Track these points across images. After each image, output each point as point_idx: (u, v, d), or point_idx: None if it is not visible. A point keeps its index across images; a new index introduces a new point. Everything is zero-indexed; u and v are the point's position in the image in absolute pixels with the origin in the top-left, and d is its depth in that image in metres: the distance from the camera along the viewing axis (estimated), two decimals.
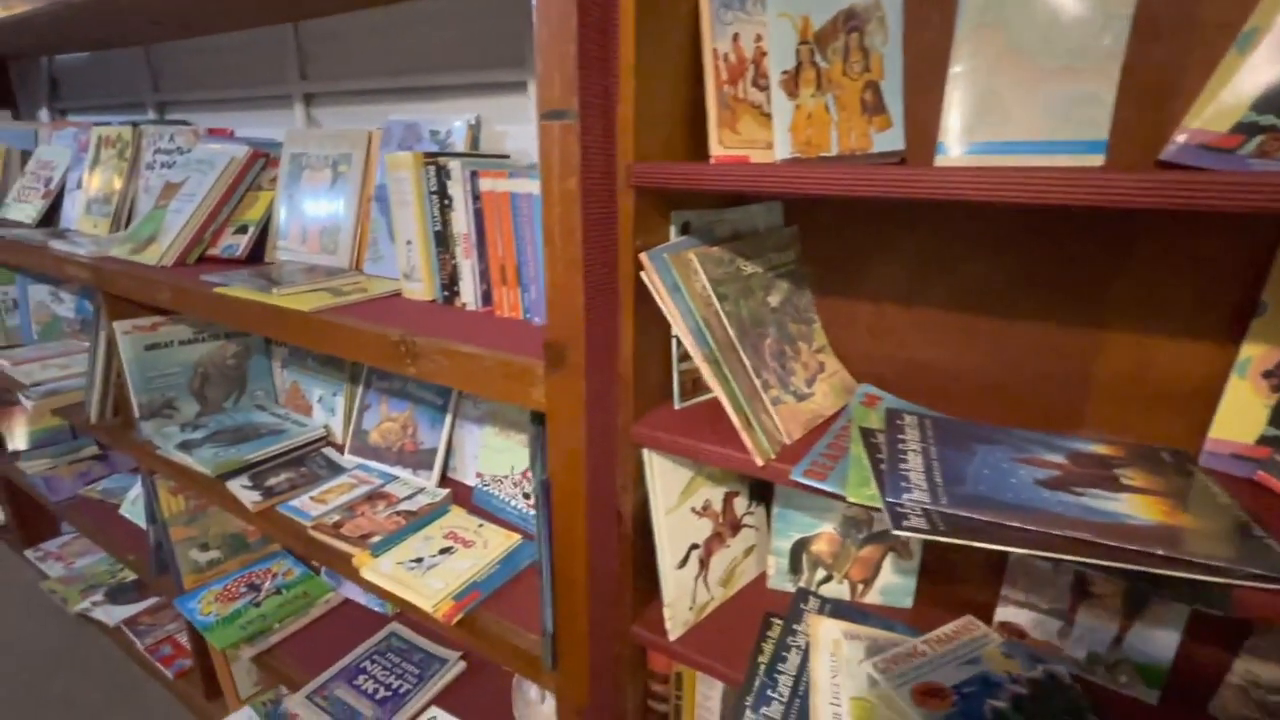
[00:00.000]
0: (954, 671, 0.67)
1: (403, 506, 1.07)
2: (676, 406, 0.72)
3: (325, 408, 1.35)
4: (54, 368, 1.69)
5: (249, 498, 1.09)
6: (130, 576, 2.00)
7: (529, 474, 1.04)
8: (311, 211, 1.18)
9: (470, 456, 1.17)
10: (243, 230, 1.22)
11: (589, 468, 0.65)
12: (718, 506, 0.79)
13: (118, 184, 1.52)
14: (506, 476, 1.06)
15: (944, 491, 0.52)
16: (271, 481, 1.15)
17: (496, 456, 1.08)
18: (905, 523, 0.47)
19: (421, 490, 1.12)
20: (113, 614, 1.83)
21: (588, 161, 0.56)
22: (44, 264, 1.34)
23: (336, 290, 0.96)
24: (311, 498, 1.10)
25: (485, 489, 1.09)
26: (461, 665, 1.21)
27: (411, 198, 0.88)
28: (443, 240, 0.89)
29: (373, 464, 1.21)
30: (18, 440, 2.16)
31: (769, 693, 0.67)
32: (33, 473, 1.94)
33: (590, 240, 0.58)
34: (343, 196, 1.15)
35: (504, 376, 0.67)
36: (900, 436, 0.63)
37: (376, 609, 1.40)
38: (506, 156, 0.96)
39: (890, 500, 0.50)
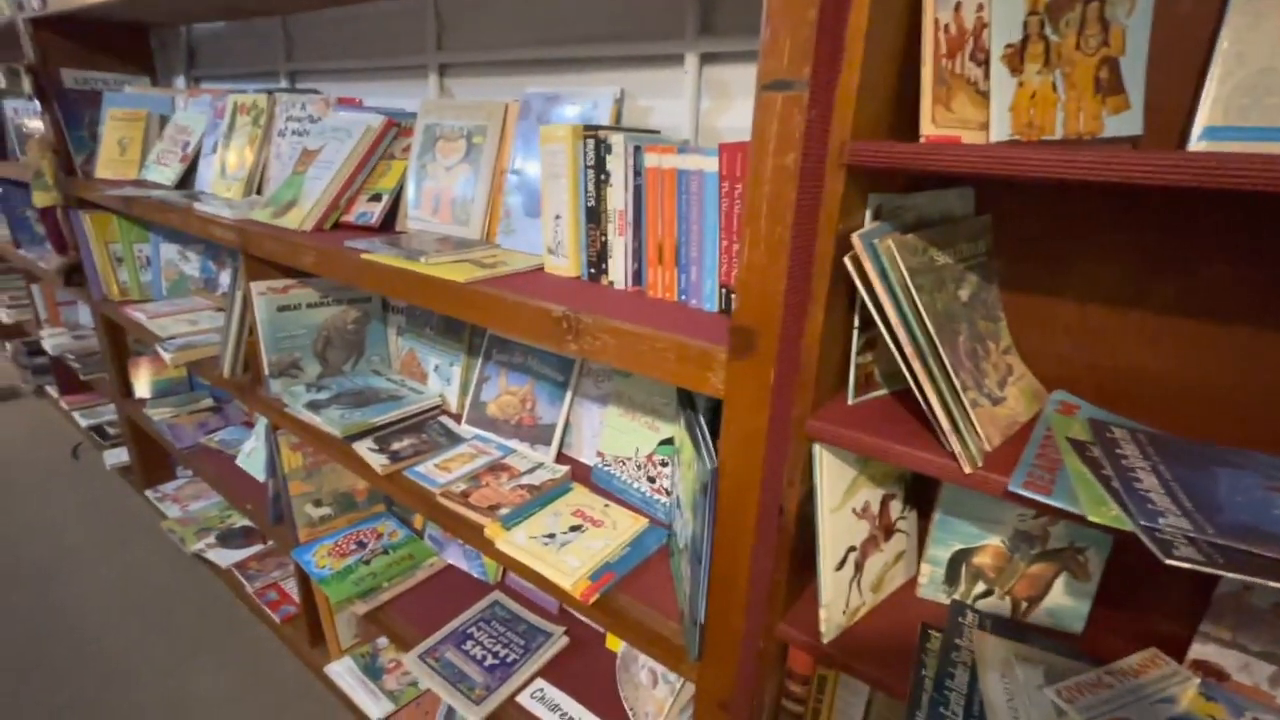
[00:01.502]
0: (1147, 710, 0.62)
1: (525, 480, 1.08)
2: (850, 402, 0.68)
3: (441, 377, 1.37)
4: (184, 322, 1.80)
5: (377, 461, 1.12)
6: (239, 523, 2.12)
7: (653, 457, 1.02)
8: (444, 182, 1.19)
9: (589, 435, 1.16)
10: (376, 198, 1.24)
11: (764, 460, 0.63)
12: (875, 509, 0.75)
13: (251, 150, 1.58)
14: (630, 458, 1.05)
15: (1205, 519, 0.46)
16: (396, 446, 1.18)
17: (620, 437, 1.07)
18: (1175, 552, 0.43)
19: (540, 465, 1.13)
20: (224, 557, 1.95)
21: (806, 137, 0.52)
22: (189, 224, 1.41)
23: (479, 262, 0.96)
24: (435, 465, 1.13)
25: (606, 469, 1.08)
26: (565, 640, 1.23)
27: (565, 171, 0.87)
28: (594, 216, 0.87)
29: (490, 436, 1.22)
30: (142, 388, 2.32)
31: (941, 710, 0.63)
32: (159, 419, 2.08)
33: (795, 222, 0.55)
34: (476, 168, 1.15)
35: (679, 359, 0.65)
36: (1118, 451, 0.57)
37: (478, 576, 1.43)
38: (656, 132, 0.93)
39: (1147, 525, 0.46)
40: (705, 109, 0.96)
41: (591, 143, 0.84)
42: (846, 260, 0.58)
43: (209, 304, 1.96)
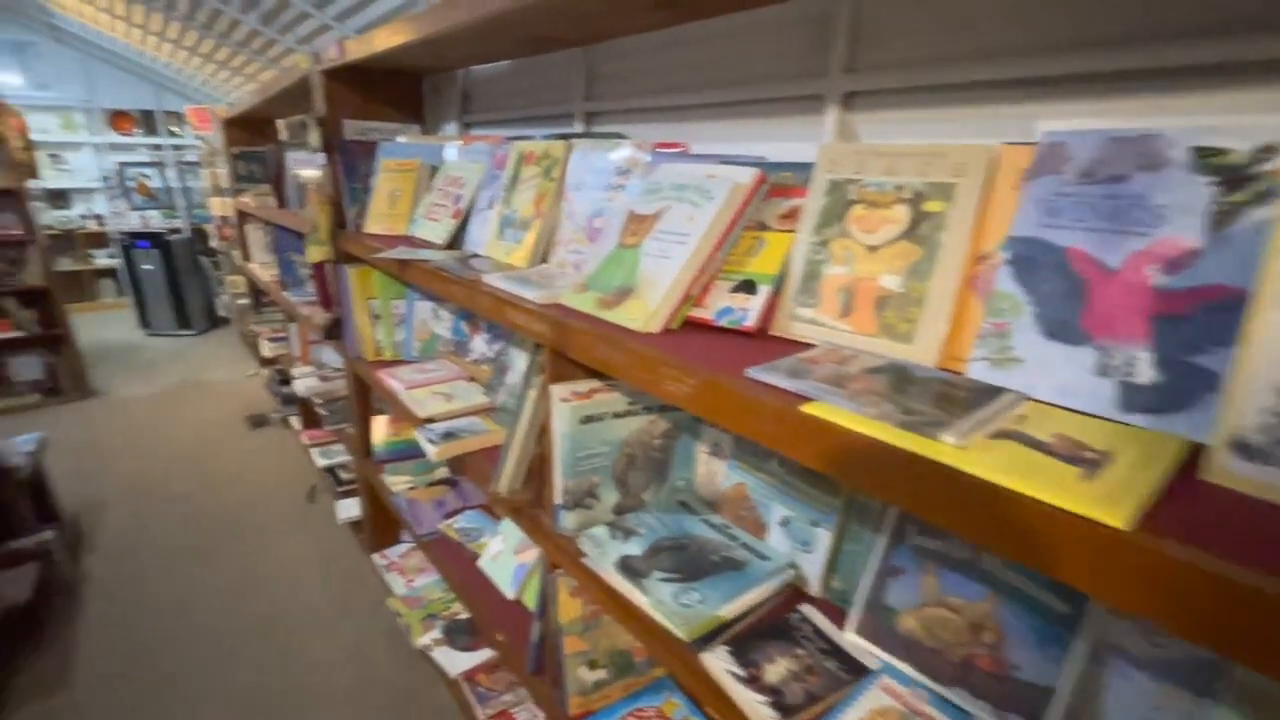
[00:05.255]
0: None
1: None
2: None
3: (793, 537, 0.95)
4: (439, 397, 1.58)
5: (756, 708, 0.71)
6: (464, 613, 1.89)
7: None
8: (864, 268, 0.77)
9: None
10: (747, 288, 0.86)
11: None
12: None
13: (539, 208, 1.31)
14: None
15: None
16: (770, 672, 0.76)
17: None
18: None
19: None
20: (453, 661, 1.71)
21: None
22: (476, 302, 1.14)
23: (1021, 435, 0.52)
24: None
25: None
26: None
27: None
28: None
29: (908, 672, 0.77)
30: (375, 441, 2.21)
31: None
32: (397, 490, 1.92)
33: None
34: (930, 250, 0.72)
35: None
36: None
37: None
38: None
39: None
40: None
41: None
42: None
43: (459, 371, 1.76)
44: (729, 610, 0.84)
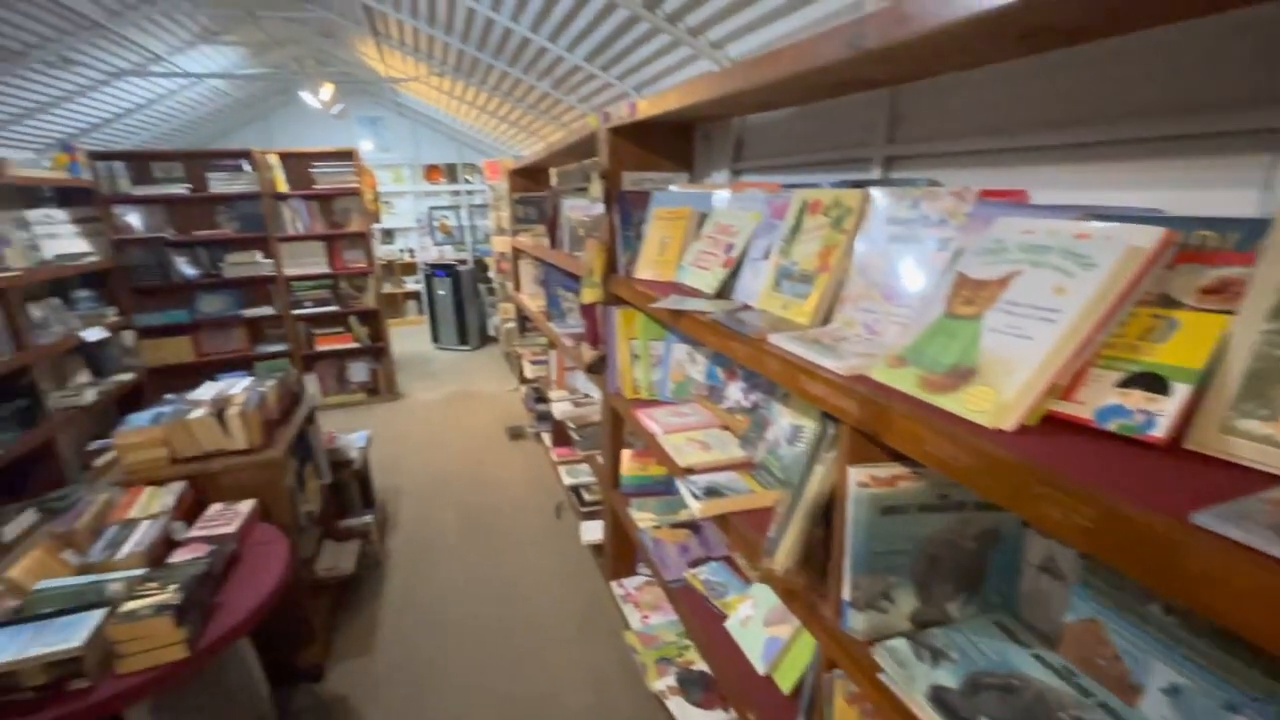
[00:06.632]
0: None
1: None
2: None
3: (1186, 714, 0.71)
4: (696, 445, 1.57)
5: None
6: (698, 663, 1.85)
7: None
8: None
9: None
10: (1151, 384, 0.66)
11: None
12: None
13: (829, 260, 1.21)
14: None
15: None
16: None
17: None
18: None
19: None
20: (685, 715, 1.66)
21: None
22: (762, 363, 1.09)
23: None
24: None
25: None
26: None
27: None
28: None
29: None
30: (623, 474, 2.30)
31: None
32: (644, 526, 1.96)
33: None
34: None
35: None
36: None
37: None
38: None
39: None
40: None
41: None
42: None
43: (712, 418, 1.73)
44: None
